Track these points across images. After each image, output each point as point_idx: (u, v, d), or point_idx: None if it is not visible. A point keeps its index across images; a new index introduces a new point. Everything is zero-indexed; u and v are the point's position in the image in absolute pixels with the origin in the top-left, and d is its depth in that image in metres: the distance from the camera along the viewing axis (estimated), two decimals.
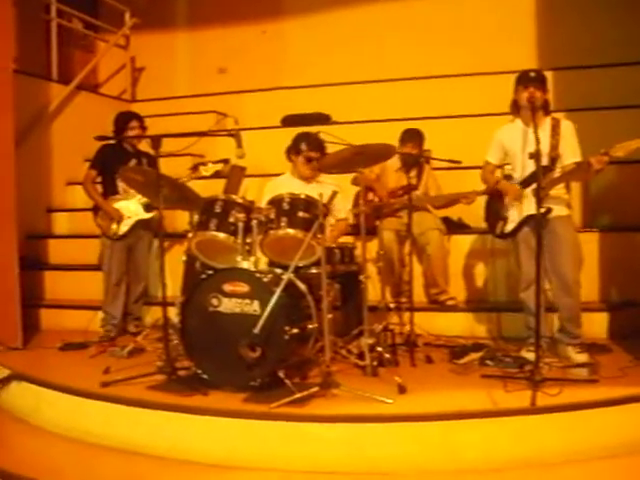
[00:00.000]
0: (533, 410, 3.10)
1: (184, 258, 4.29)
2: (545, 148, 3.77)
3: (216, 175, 4.99)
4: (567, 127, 3.93)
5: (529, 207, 3.84)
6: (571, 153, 3.89)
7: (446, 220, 5.27)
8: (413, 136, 5.18)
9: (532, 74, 3.87)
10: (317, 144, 4.54)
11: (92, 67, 7.44)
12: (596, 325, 4.56)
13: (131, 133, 5.00)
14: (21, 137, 5.49)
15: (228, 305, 3.58)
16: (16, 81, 4.93)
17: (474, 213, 4.78)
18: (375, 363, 3.79)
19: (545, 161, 3.77)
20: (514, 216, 4.00)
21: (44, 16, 6.90)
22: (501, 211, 4.09)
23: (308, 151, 4.53)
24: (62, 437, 3.50)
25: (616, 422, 3.16)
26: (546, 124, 3.91)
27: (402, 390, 3.41)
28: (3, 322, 4.64)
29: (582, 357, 3.87)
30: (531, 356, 3.66)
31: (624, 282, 4.87)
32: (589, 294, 4.66)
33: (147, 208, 4.95)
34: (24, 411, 3.82)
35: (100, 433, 3.39)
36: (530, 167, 3.79)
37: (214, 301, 3.60)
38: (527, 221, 3.92)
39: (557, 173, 3.86)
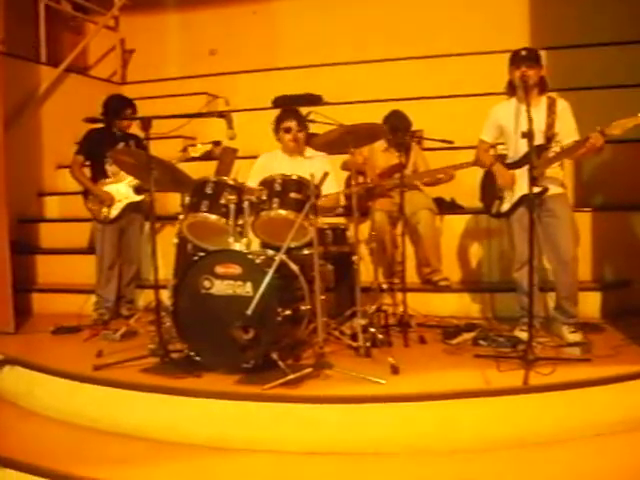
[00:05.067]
0: (526, 389, 3.11)
1: (176, 240, 4.28)
2: (541, 126, 3.76)
3: (207, 156, 4.96)
4: (563, 106, 3.89)
5: (524, 187, 3.80)
6: (569, 132, 3.84)
7: (439, 200, 5.25)
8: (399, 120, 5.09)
9: (523, 52, 3.81)
10: (290, 113, 4.52)
11: (81, 49, 7.35)
12: (589, 304, 4.56)
13: (124, 122, 4.96)
14: (10, 120, 5.43)
15: (220, 287, 3.56)
16: (4, 64, 4.91)
17: (468, 193, 4.76)
18: (368, 344, 3.78)
19: (540, 139, 3.75)
20: (510, 195, 3.98)
21: None
22: (497, 190, 4.06)
23: (283, 121, 4.52)
24: (55, 421, 3.50)
25: (608, 401, 3.17)
26: (542, 103, 3.87)
27: (395, 371, 3.41)
28: None
29: (575, 336, 3.87)
30: (524, 335, 3.66)
31: (617, 261, 4.88)
32: (582, 273, 4.62)
33: (137, 190, 4.93)
34: (17, 395, 3.81)
35: (93, 416, 3.39)
36: (523, 146, 3.74)
37: (206, 283, 3.59)
38: (522, 201, 3.88)
39: (552, 152, 3.83)
